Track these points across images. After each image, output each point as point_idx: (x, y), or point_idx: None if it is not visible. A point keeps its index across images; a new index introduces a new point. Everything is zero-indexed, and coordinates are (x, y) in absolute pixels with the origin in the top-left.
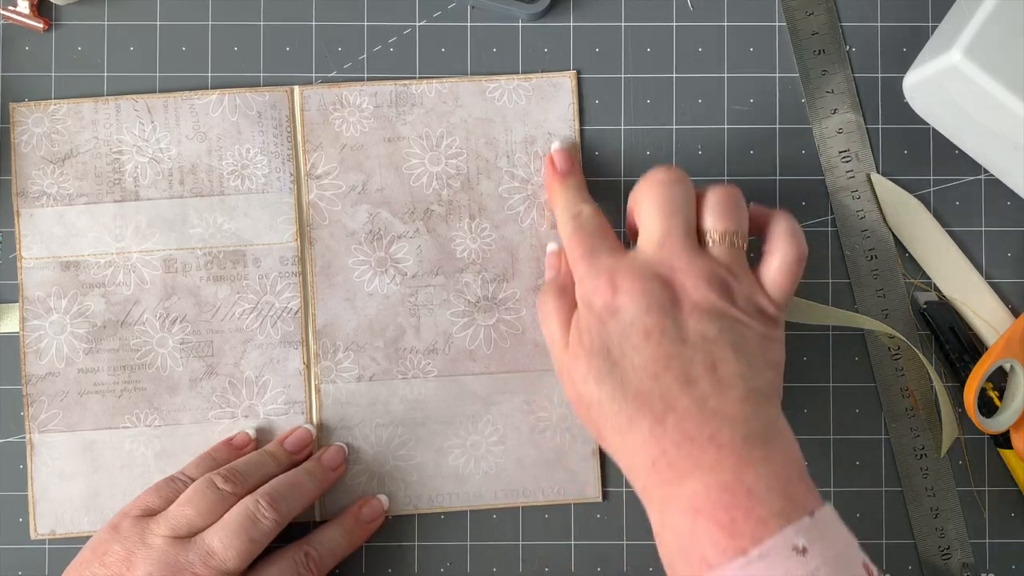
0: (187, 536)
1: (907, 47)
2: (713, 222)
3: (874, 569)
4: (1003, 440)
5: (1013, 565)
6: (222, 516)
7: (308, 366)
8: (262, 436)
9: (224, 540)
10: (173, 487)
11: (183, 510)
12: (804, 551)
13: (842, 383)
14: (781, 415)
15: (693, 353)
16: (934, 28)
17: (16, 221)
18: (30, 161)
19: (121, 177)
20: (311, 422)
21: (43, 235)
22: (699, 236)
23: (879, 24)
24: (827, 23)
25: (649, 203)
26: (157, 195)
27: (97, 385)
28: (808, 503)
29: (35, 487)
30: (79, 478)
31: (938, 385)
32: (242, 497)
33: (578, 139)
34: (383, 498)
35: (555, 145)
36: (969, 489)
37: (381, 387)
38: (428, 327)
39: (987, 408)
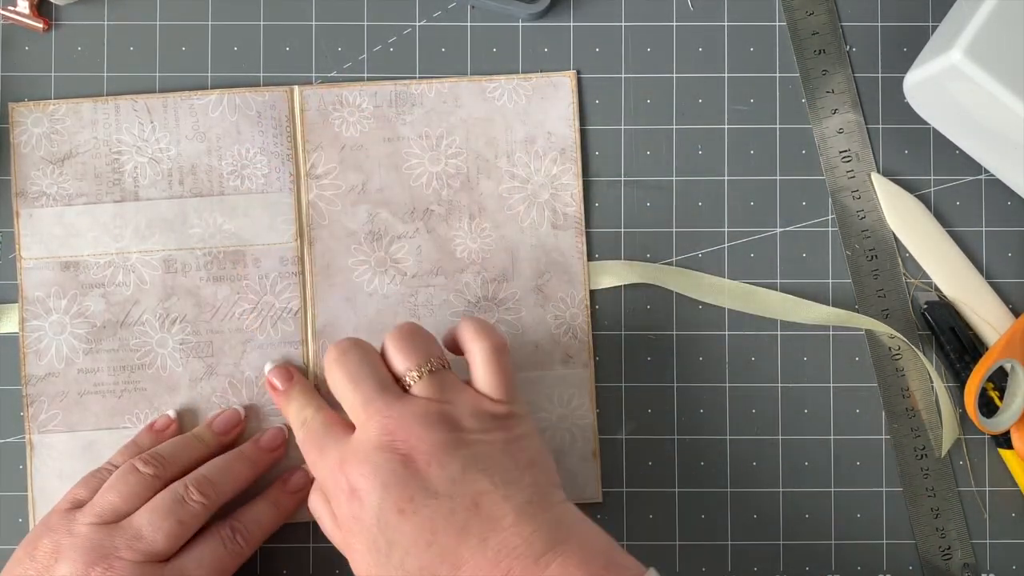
0: (113, 522)
1: (907, 47)
2: (402, 363)
3: None
4: (1003, 440)
5: (1013, 565)
6: (147, 500)
7: (308, 366)
8: (192, 420)
9: (152, 523)
10: (99, 477)
11: (106, 496)
12: None
13: (842, 383)
14: (566, 507)
15: (451, 502)
16: (934, 28)
17: (16, 221)
18: (30, 161)
19: (121, 177)
20: None
21: (43, 235)
22: (399, 383)
23: (879, 24)
24: (827, 23)
25: (336, 383)
26: (157, 195)
27: (97, 385)
28: None
29: (35, 487)
30: (79, 478)
31: (938, 385)
32: (168, 480)
33: (578, 139)
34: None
35: (268, 367)
36: (970, 489)
37: None
38: (428, 327)
39: (987, 408)
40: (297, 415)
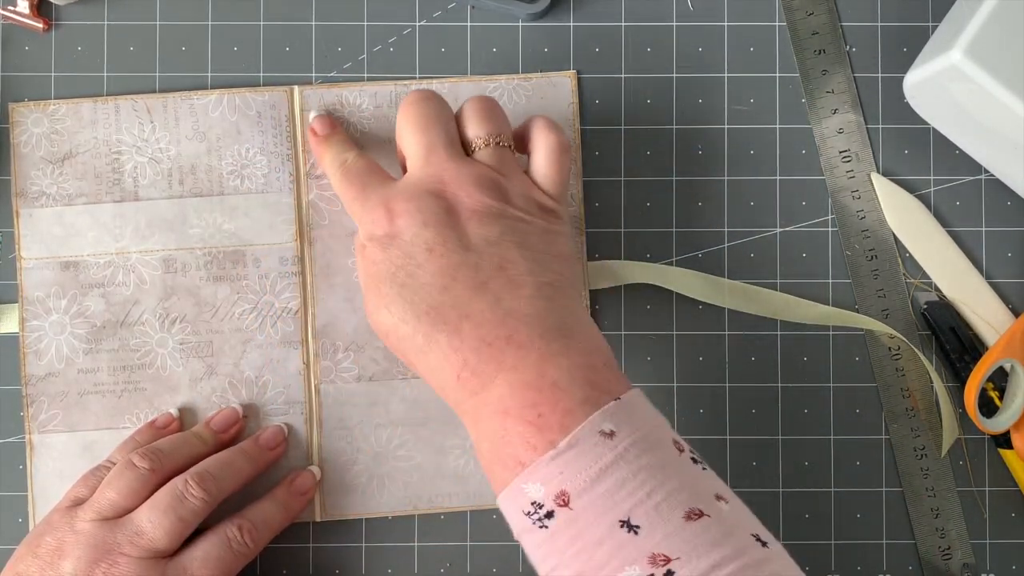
0: (114, 518)
1: (907, 47)
2: (474, 129)
3: (685, 445)
4: (1003, 440)
5: (1013, 565)
6: (147, 496)
7: (308, 366)
8: (193, 420)
9: (152, 519)
10: (98, 475)
11: (105, 493)
12: (612, 434)
13: (842, 383)
14: (581, 306)
15: (478, 259)
16: (934, 28)
17: (16, 221)
18: (29, 161)
19: (120, 177)
20: (311, 422)
21: (43, 235)
22: (465, 148)
23: (879, 24)
24: (827, 23)
25: (406, 125)
26: (157, 195)
27: (97, 385)
28: (614, 388)
29: (35, 487)
30: (79, 478)
31: (938, 385)
32: (166, 475)
33: (578, 139)
34: (315, 469)
35: (312, 115)
36: (970, 489)
37: (381, 387)
38: None
39: (987, 408)
40: (336, 157)
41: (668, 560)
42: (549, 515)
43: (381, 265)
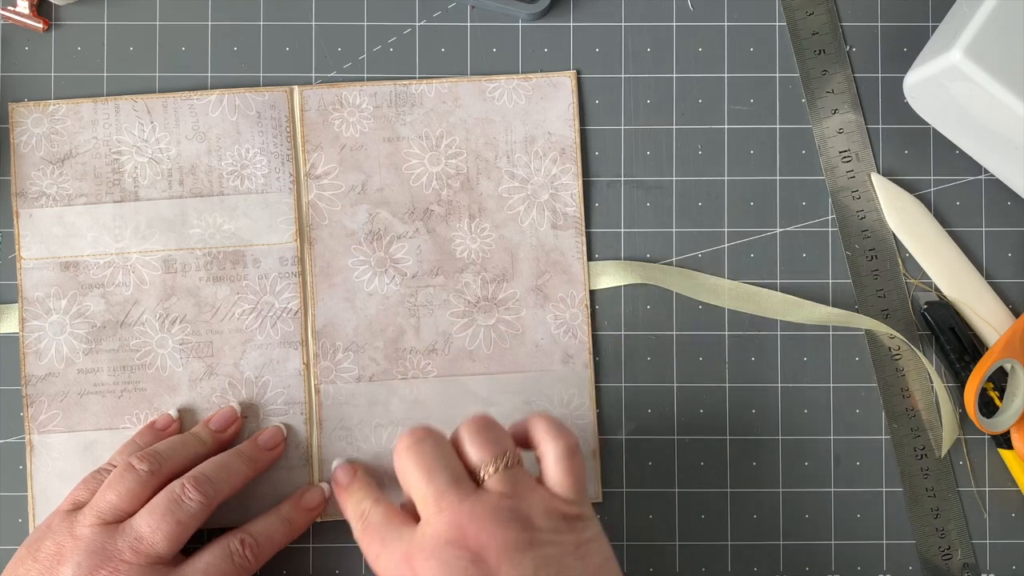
0: (114, 522)
1: (907, 47)
2: (478, 455)
3: None
4: (1003, 440)
5: (1013, 565)
6: (147, 499)
7: (308, 366)
8: (192, 420)
9: (151, 524)
10: (99, 478)
11: (104, 496)
12: None
13: (842, 383)
14: None
15: None
16: (934, 28)
17: (15, 221)
18: (29, 161)
19: (120, 177)
20: (311, 422)
21: (42, 235)
22: (472, 475)
23: (879, 24)
24: (827, 23)
25: (408, 470)
26: (156, 195)
27: (97, 386)
28: None
29: (35, 487)
30: (79, 478)
31: (938, 385)
32: (166, 478)
33: (578, 139)
34: (324, 486)
35: (335, 463)
36: (969, 489)
37: (381, 387)
38: (428, 327)
39: (987, 408)
40: (356, 507)
41: None
42: None
43: None
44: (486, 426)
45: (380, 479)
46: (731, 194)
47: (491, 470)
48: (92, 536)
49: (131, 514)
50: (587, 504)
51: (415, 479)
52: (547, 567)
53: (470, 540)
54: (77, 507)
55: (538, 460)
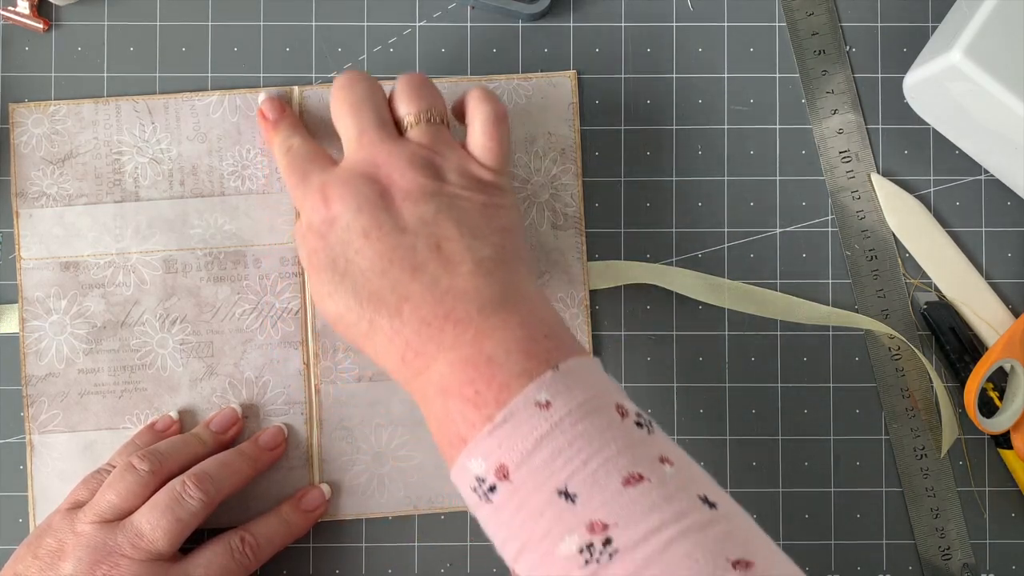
0: (114, 520)
1: (907, 47)
2: (405, 107)
3: (631, 408)
4: (1003, 440)
5: (1013, 565)
6: (147, 498)
7: (308, 366)
8: (193, 421)
9: (151, 521)
10: (99, 478)
11: (105, 495)
12: (547, 405)
13: (842, 383)
14: (526, 278)
15: (414, 239)
16: (934, 28)
17: (16, 222)
18: (30, 162)
19: (121, 178)
20: (311, 422)
21: (43, 236)
22: (398, 126)
23: (879, 24)
24: (827, 23)
25: (338, 108)
26: (157, 196)
27: (97, 386)
28: (552, 357)
29: (35, 487)
30: (79, 478)
31: (938, 385)
32: (166, 477)
33: (578, 139)
34: (325, 487)
35: (261, 97)
36: (969, 489)
37: (381, 387)
38: None
39: (987, 408)
40: (283, 143)
41: (606, 527)
42: (492, 489)
43: (321, 253)
44: (420, 84)
45: None
46: (731, 194)
47: (414, 120)
48: (93, 532)
49: (130, 513)
50: (506, 177)
51: (342, 115)
52: (448, 212)
53: (381, 176)
54: (77, 506)
55: (466, 124)
